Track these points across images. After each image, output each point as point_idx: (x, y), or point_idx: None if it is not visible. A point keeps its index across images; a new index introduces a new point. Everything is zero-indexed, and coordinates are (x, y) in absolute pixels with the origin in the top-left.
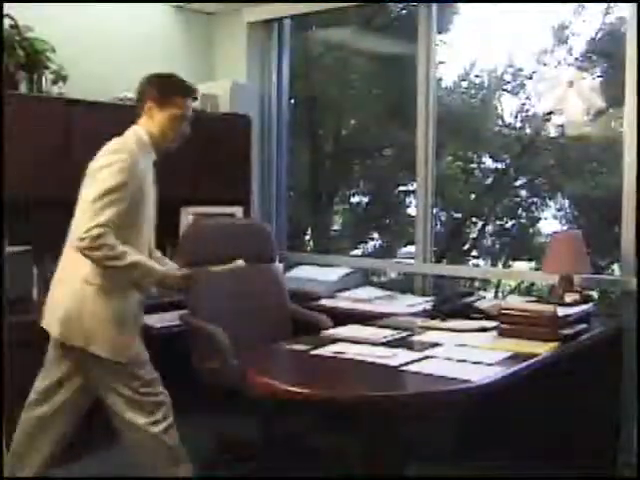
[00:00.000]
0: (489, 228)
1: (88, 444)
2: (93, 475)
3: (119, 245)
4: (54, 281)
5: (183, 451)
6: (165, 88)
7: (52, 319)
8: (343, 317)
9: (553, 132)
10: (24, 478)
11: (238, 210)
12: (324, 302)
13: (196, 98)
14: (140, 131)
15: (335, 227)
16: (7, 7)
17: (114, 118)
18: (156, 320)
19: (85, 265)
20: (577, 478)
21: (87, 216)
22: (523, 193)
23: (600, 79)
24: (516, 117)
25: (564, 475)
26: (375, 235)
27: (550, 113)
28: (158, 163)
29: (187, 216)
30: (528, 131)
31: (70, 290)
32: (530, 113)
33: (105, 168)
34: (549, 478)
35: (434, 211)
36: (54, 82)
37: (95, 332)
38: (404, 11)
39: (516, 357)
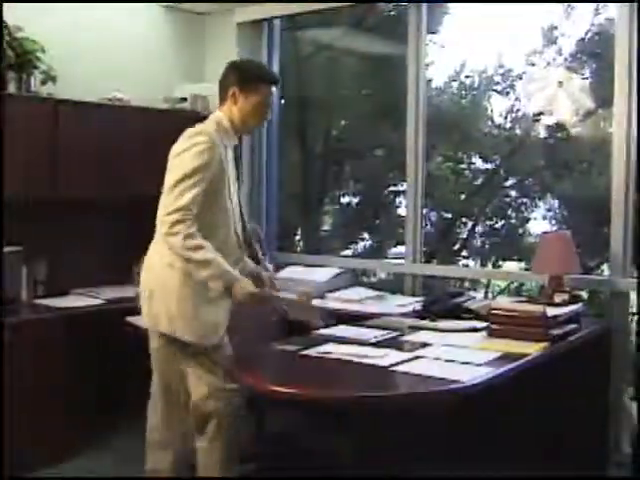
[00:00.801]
0: (479, 228)
1: (74, 445)
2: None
3: (198, 237)
4: (143, 268)
5: None
6: (249, 75)
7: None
8: (333, 318)
9: (543, 133)
10: (23, 478)
11: None
12: (314, 302)
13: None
14: (221, 116)
15: (325, 227)
16: (6, 7)
17: (104, 118)
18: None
19: (167, 249)
20: (571, 478)
21: (168, 200)
22: (513, 193)
23: (589, 79)
24: (506, 118)
25: (553, 476)
26: (365, 235)
27: (540, 114)
28: (145, 161)
29: None
30: (518, 132)
31: (154, 275)
32: (520, 114)
33: (185, 152)
34: (538, 478)
35: (424, 211)
36: (43, 82)
37: (178, 316)
38: (394, 12)
39: (506, 357)
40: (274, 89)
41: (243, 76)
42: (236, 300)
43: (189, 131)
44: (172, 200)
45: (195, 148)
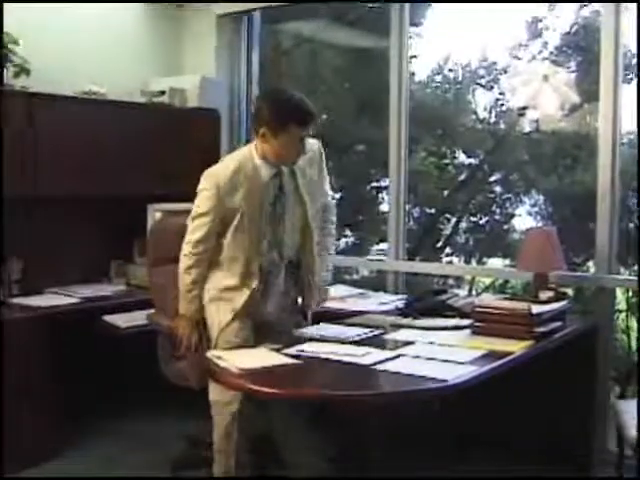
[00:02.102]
0: (463, 224)
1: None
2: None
3: (194, 272)
4: None
5: None
6: (281, 115)
7: None
8: (314, 316)
9: (527, 127)
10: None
11: None
12: None
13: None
14: (252, 152)
15: None
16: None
17: (79, 112)
18: (123, 320)
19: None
20: (556, 478)
21: (187, 232)
22: (497, 189)
23: (575, 73)
24: (490, 112)
25: (538, 476)
26: (347, 232)
27: (524, 108)
28: (122, 157)
29: (154, 213)
30: (502, 126)
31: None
32: (504, 108)
33: (199, 193)
34: (522, 478)
35: (407, 207)
36: (16, 75)
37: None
38: (376, 4)
39: (490, 356)
40: (306, 129)
41: (274, 116)
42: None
43: (207, 171)
44: (188, 233)
45: (201, 194)
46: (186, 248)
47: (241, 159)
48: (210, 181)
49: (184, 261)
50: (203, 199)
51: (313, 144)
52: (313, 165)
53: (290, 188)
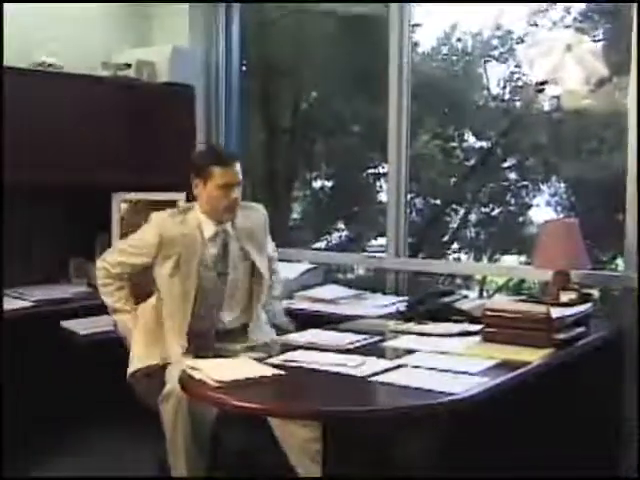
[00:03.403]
0: (472, 216)
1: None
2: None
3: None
4: None
5: None
6: (202, 160)
7: None
8: (303, 320)
9: (547, 105)
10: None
11: (180, 197)
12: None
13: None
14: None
15: (294, 216)
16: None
17: (30, 87)
18: (84, 326)
19: None
20: None
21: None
22: (512, 176)
23: (602, 42)
24: (504, 88)
25: None
26: (340, 225)
27: (544, 83)
28: (83, 139)
29: (119, 204)
30: (518, 104)
31: None
32: (520, 83)
33: (142, 229)
34: None
35: (408, 197)
36: None
37: None
38: None
39: (503, 366)
40: (233, 170)
41: (196, 164)
42: None
43: (153, 215)
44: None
45: (144, 233)
46: (101, 264)
47: (186, 213)
48: (155, 227)
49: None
50: (144, 235)
51: (258, 208)
52: (259, 227)
53: (235, 247)
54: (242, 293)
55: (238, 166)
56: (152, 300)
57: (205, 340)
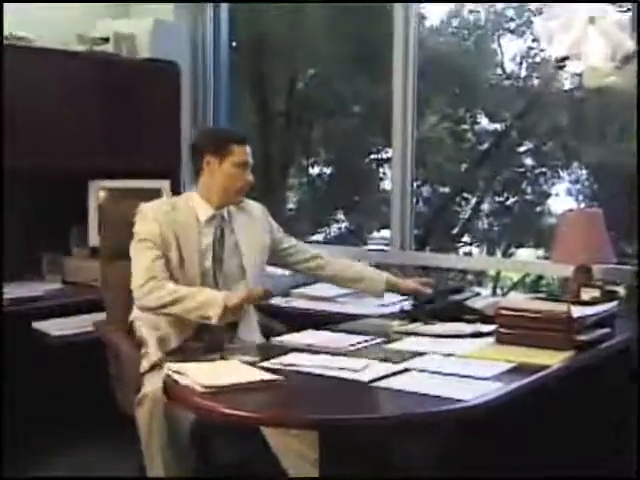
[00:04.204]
0: (485, 206)
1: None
2: None
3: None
4: None
5: None
6: (221, 137)
7: None
8: (299, 320)
9: (568, 83)
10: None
11: (164, 184)
12: (275, 301)
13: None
14: (191, 196)
15: (290, 206)
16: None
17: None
18: (57, 327)
19: None
20: None
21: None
22: (528, 162)
23: (629, 14)
24: (520, 64)
25: None
26: (340, 216)
27: (564, 59)
28: (56, 121)
29: (97, 192)
30: (535, 82)
31: None
32: (538, 59)
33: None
34: None
35: (415, 185)
36: None
37: None
38: None
39: (519, 370)
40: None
41: (214, 141)
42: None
43: (140, 206)
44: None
45: (140, 226)
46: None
47: (175, 200)
48: (142, 211)
49: (144, 297)
50: (143, 228)
51: (255, 206)
52: (256, 224)
53: (230, 237)
54: (234, 288)
55: (249, 148)
56: None
57: (214, 335)
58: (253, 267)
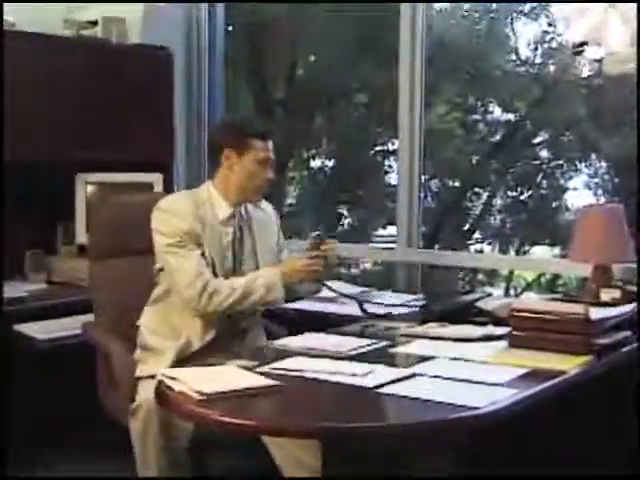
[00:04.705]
0: (498, 201)
1: None
2: None
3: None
4: None
5: None
6: (242, 130)
7: None
8: (299, 322)
9: (586, 70)
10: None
11: (157, 178)
12: None
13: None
14: (210, 188)
15: (289, 201)
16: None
17: None
18: (42, 330)
19: None
20: None
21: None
22: (544, 154)
23: None
24: (535, 50)
25: None
26: (343, 211)
27: (582, 44)
28: (41, 110)
29: (85, 186)
30: (552, 69)
31: None
32: (555, 44)
33: (158, 224)
34: None
35: (422, 179)
36: None
37: None
38: None
39: (534, 375)
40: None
41: (234, 134)
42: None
43: (159, 203)
44: (175, 274)
45: (165, 223)
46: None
47: (194, 195)
48: (168, 207)
49: (196, 299)
50: (177, 225)
51: (268, 206)
52: (270, 227)
53: (248, 237)
54: None
55: (271, 144)
56: None
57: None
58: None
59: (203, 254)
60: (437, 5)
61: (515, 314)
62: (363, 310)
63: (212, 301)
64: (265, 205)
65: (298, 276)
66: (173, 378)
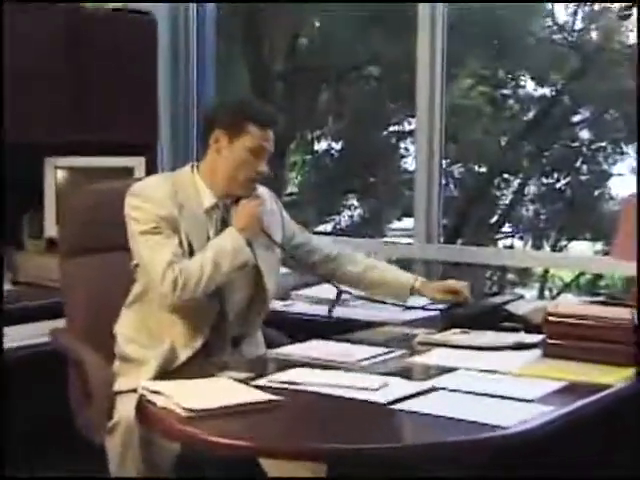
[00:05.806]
0: (530, 189)
1: None
2: None
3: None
4: None
5: None
6: (239, 112)
7: None
8: (302, 328)
9: (633, 37)
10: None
11: (138, 162)
12: (271, 305)
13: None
14: (195, 172)
15: (290, 189)
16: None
17: None
18: (6, 336)
19: None
20: None
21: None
22: (584, 135)
23: None
24: (574, 15)
25: None
26: (352, 201)
27: (629, 7)
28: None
29: (54, 172)
30: (594, 36)
31: None
32: (597, 7)
33: (131, 212)
34: None
35: (444, 164)
36: None
37: None
38: None
39: (572, 390)
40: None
41: (229, 114)
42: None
43: (131, 189)
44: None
45: (135, 212)
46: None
47: (175, 178)
48: (142, 192)
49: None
50: (150, 211)
51: (264, 192)
52: (266, 216)
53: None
54: (240, 296)
55: (272, 134)
56: None
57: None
58: (269, 269)
59: (181, 243)
60: None
61: (550, 319)
62: (330, 312)
63: (186, 290)
64: (260, 192)
65: (251, 223)
66: (156, 392)
